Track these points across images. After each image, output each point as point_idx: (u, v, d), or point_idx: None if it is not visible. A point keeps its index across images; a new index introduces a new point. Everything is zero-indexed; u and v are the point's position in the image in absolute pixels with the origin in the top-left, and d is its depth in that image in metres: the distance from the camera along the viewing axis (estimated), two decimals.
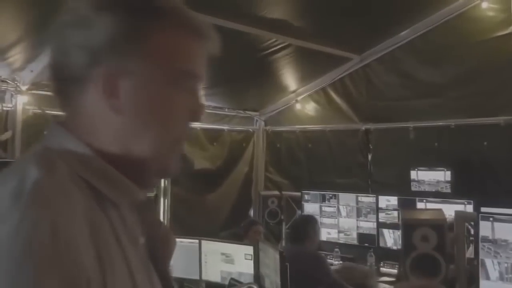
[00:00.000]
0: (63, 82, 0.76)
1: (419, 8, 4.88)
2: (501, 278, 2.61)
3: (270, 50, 4.94)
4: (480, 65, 4.75)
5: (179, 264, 3.92)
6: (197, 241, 3.96)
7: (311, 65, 5.58)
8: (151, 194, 4.65)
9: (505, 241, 2.60)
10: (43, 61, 3.79)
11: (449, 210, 3.48)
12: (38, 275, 0.59)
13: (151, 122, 0.76)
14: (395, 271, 4.41)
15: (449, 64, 4.98)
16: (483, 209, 3.71)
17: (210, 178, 5.80)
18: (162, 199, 4.71)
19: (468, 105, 4.84)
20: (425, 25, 5.07)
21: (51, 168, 0.68)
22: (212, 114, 5.88)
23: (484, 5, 4.74)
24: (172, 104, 0.77)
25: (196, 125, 5.62)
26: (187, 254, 3.94)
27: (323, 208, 5.33)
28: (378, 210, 4.92)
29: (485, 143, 4.75)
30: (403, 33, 5.22)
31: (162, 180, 4.75)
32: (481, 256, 2.68)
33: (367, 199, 5.05)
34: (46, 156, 0.71)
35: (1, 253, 0.60)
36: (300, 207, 5.47)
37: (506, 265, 2.60)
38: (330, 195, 5.31)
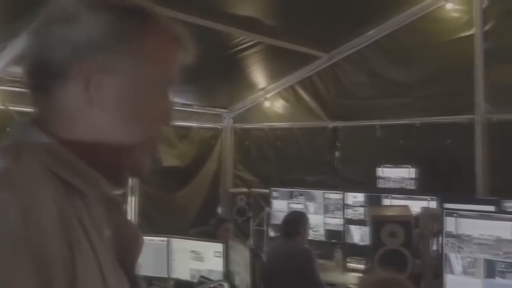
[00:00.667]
0: (42, 77, 0.76)
1: (386, 8, 4.97)
2: (464, 272, 2.70)
3: (239, 48, 4.94)
4: (445, 65, 4.87)
5: (148, 263, 3.90)
6: (166, 239, 3.94)
7: (280, 63, 5.61)
8: (119, 192, 4.60)
9: (469, 236, 2.69)
10: (5, 57, 3.69)
11: (414, 206, 3.55)
12: (8, 257, 0.60)
13: (130, 120, 0.78)
14: (362, 266, 4.49)
15: (415, 63, 5.09)
16: (446, 205, 3.84)
17: (179, 176, 5.77)
18: (130, 197, 4.66)
19: (433, 104, 4.96)
20: (391, 25, 5.17)
21: (18, 158, 0.70)
22: (181, 111, 5.84)
23: (449, 6, 4.86)
24: (150, 105, 0.80)
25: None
26: (156, 253, 3.92)
27: (291, 205, 5.36)
28: (345, 206, 4.99)
29: (449, 141, 4.89)
30: (370, 32, 5.31)
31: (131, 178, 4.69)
32: (445, 251, 2.77)
33: (334, 195, 5.11)
34: (11, 149, 0.72)
35: None
36: (269, 204, 5.49)
37: (469, 259, 2.69)
38: (298, 192, 5.35)
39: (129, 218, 4.62)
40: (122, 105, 0.77)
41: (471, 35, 4.73)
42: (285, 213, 4.71)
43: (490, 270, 2.61)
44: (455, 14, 4.88)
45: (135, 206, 4.71)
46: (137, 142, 0.80)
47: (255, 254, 3.26)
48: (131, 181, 4.69)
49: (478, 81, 4.67)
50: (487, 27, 4.67)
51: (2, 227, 0.61)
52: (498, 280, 2.58)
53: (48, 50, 0.74)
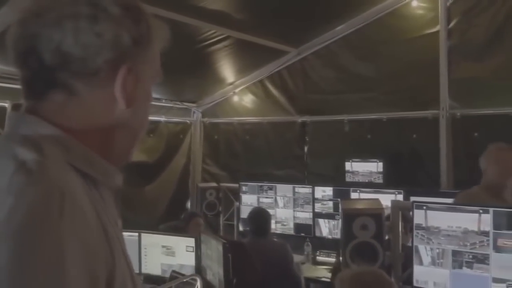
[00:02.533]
0: (59, 73, 0.75)
1: (354, 4, 5.05)
2: (433, 263, 2.77)
3: (208, 42, 4.92)
4: (411, 61, 4.98)
5: None
6: (136, 234, 3.90)
7: (249, 57, 5.61)
8: None
9: (437, 228, 2.76)
10: None
11: (381, 199, 3.62)
12: (58, 250, 0.61)
13: (140, 110, 0.84)
14: (331, 259, 4.55)
15: (382, 59, 5.18)
16: (412, 198, 3.93)
17: (147, 170, 5.71)
18: None
19: (399, 99, 5.07)
20: (359, 21, 5.25)
21: (42, 151, 0.70)
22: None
23: (414, 3, 4.97)
24: (150, 98, 0.88)
25: None
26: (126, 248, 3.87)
27: (261, 199, 5.37)
28: (314, 200, 5.04)
29: (415, 135, 5.00)
30: (338, 28, 5.38)
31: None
32: (415, 243, 2.84)
33: (303, 190, 5.15)
34: (29, 142, 0.72)
35: (21, 224, 0.61)
36: (238, 199, 5.50)
37: (437, 250, 2.76)
38: (268, 187, 5.37)
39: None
40: (138, 98, 0.82)
41: (436, 32, 4.85)
42: (256, 207, 4.75)
43: (457, 261, 2.69)
44: (420, 11, 4.99)
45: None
46: (141, 129, 0.87)
47: (227, 249, 3.26)
48: None
49: (442, 77, 4.80)
50: (451, 25, 4.80)
51: (48, 219, 0.62)
52: (465, 270, 2.67)
53: (75, 47, 0.74)
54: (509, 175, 3.18)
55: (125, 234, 3.83)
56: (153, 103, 5.75)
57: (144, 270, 3.87)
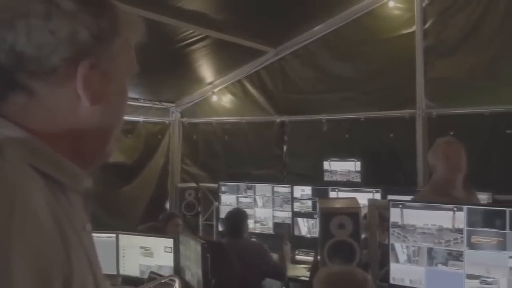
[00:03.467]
0: (16, 73, 0.73)
1: (332, 4, 5.09)
2: (409, 260, 2.81)
3: (187, 42, 4.90)
4: (387, 61, 5.05)
5: None
6: (114, 235, 3.87)
7: (228, 57, 5.62)
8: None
9: (413, 226, 2.80)
10: None
11: (360, 198, 3.65)
12: (8, 255, 0.60)
13: (110, 109, 0.81)
14: (309, 258, 4.56)
15: (360, 59, 5.24)
16: (390, 197, 3.98)
17: (126, 171, 5.67)
18: None
19: (377, 99, 5.12)
20: (337, 21, 5.29)
21: (3, 154, 0.68)
22: (127, 105, 5.70)
23: (391, 4, 5.04)
24: (122, 91, 0.84)
25: None
26: (103, 249, 3.84)
27: (240, 199, 5.37)
28: (293, 200, 5.05)
29: (392, 135, 5.06)
30: (316, 28, 5.41)
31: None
32: (391, 241, 2.87)
33: (282, 189, 5.16)
34: None
35: None
36: (217, 199, 5.49)
37: (413, 248, 2.80)
38: (247, 186, 5.37)
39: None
40: (105, 96, 0.79)
41: (412, 32, 4.92)
42: (233, 208, 4.75)
43: (433, 258, 2.73)
44: (397, 12, 5.05)
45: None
46: (114, 128, 0.84)
47: (206, 249, 3.26)
48: None
49: (419, 77, 4.87)
50: (426, 25, 4.87)
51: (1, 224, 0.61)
52: (440, 267, 2.71)
53: (40, 48, 0.72)
54: (458, 170, 3.13)
55: (103, 235, 3.84)
56: (131, 103, 5.75)
57: (122, 272, 3.85)
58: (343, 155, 5.11)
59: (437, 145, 3.28)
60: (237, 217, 4.13)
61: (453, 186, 3.13)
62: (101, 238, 3.83)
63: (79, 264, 0.70)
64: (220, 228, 5.32)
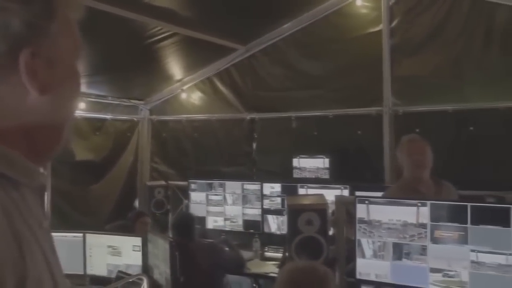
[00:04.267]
0: None
1: (301, 2, 5.13)
2: (375, 255, 2.86)
3: (155, 38, 4.85)
4: (356, 59, 5.11)
5: (62, 260, 3.75)
6: (81, 235, 3.83)
7: (197, 54, 5.58)
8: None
9: (378, 221, 2.85)
10: None
11: (328, 195, 3.69)
12: None
13: (61, 98, 0.78)
14: (279, 255, 4.60)
15: (328, 57, 5.28)
16: (357, 193, 4.04)
17: (94, 169, 5.59)
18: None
19: (345, 96, 5.18)
20: (306, 19, 5.33)
21: None
22: (95, 102, 5.65)
23: (358, 2, 5.10)
24: (76, 77, 0.81)
25: (77, 113, 5.41)
26: (70, 249, 3.80)
27: (210, 197, 5.37)
28: (262, 197, 5.07)
29: (359, 132, 5.13)
30: (286, 25, 5.43)
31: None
32: (357, 237, 2.92)
33: (252, 186, 5.18)
34: None
35: None
36: (187, 197, 5.47)
37: (379, 243, 2.85)
38: (217, 184, 5.37)
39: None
40: (54, 84, 0.75)
41: (379, 31, 4.99)
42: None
43: (398, 253, 2.79)
44: (364, 11, 5.12)
45: (47, 201, 4.49)
46: (67, 117, 0.81)
47: (174, 247, 3.25)
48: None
49: (385, 75, 4.95)
50: (393, 24, 4.95)
51: None
52: (404, 262, 2.77)
53: None
54: (424, 167, 3.21)
55: (68, 235, 3.79)
56: (99, 100, 5.69)
57: (89, 271, 3.81)
58: (311, 152, 5.15)
59: (401, 143, 3.36)
60: (185, 219, 4.14)
61: (420, 182, 3.20)
62: (67, 238, 3.79)
63: (34, 263, 0.68)
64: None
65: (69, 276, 3.86)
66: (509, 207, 2.49)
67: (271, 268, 4.38)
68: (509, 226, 2.46)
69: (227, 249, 4.28)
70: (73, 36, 0.80)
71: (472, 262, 2.56)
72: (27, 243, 0.69)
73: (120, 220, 4.72)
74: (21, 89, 0.72)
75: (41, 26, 0.73)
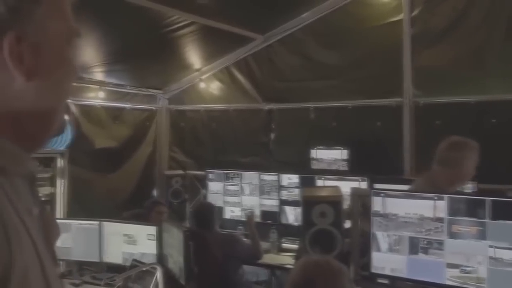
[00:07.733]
0: None
1: None
2: (390, 249, 2.82)
3: (173, 27, 4.83)
4: (375, 49, 5.02)
5: (78, 247, 3.81)
6: (97, 223, 3.86)
7: (215, 44, 5.55)
8: (47, 175, 4.43)
9: (395, 215, 2.80)
10: None
11: (346, 187, 3.65)
12: None
13: (52, 83, 0.76)
14: (296, 246, 4.57)
15: (347, 47, 5.21)
16: (376, 185, 3.97)
17: (112, 157, 5.63)
18: (59, 180, 4.49)
19: (364, 87, 5.10)
20: (324, 8, 5.25)
21: None
22: (114, 91, 5.69)
23: None
24: (68, 60, 0.78)
25: (97, 102, 5.44)
26: (86, 237, 3.84)
27: (227, 187, 5.36)
28: (280, 188, 5.05)
29: (378, 123, 5.05)
30: (304, 15, 5.36)
31: (59, 160, 4.53)
32: (373, 230, 2.87)
33: (269, 177, 5.15)
34: None
35: None
36: (205, 186, 5.47)
37: (394, 237, 2.80)
38: (234, 174, 5.35)
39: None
40: (42, 69, 0.73)
41: (400, 20, 4.89)
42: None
43: (414, 247, 2.74)
44: (385, 0, 5.01)
45: (64, 189, 4.53)
46: (58, 104, 0.78)
47: (187, 237, 3.25)
48: (60, 163, 4.53)
49: (406, 66, 4.85)
50: (414, 13, 4.84)
51: None
52: (420, 256, 2.72)
53: None
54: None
55: (85, 223, 3.83)
56: (118, 89, 5.71)
57: (105, 259, 3.84)
58: (329, 143, 5.09)
59: (475, 146, 3.09)
60: (205, 210, 4.11)
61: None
62: (84, 226, 3.82)
63: (21, 251, 0.66)
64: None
65: (85, 263, 3.92)
66: None
67: (287, 260, 4.37)
68: None
69: (245, 239, 4.27)
70: (64, 19, 0.77)
71: (490, 258, 2.50)
72: (14, 230, 0.67)
73: (137, 209, 4.75)
74: (7, 75, 0.70)
75: (25, 9, 0.70)
